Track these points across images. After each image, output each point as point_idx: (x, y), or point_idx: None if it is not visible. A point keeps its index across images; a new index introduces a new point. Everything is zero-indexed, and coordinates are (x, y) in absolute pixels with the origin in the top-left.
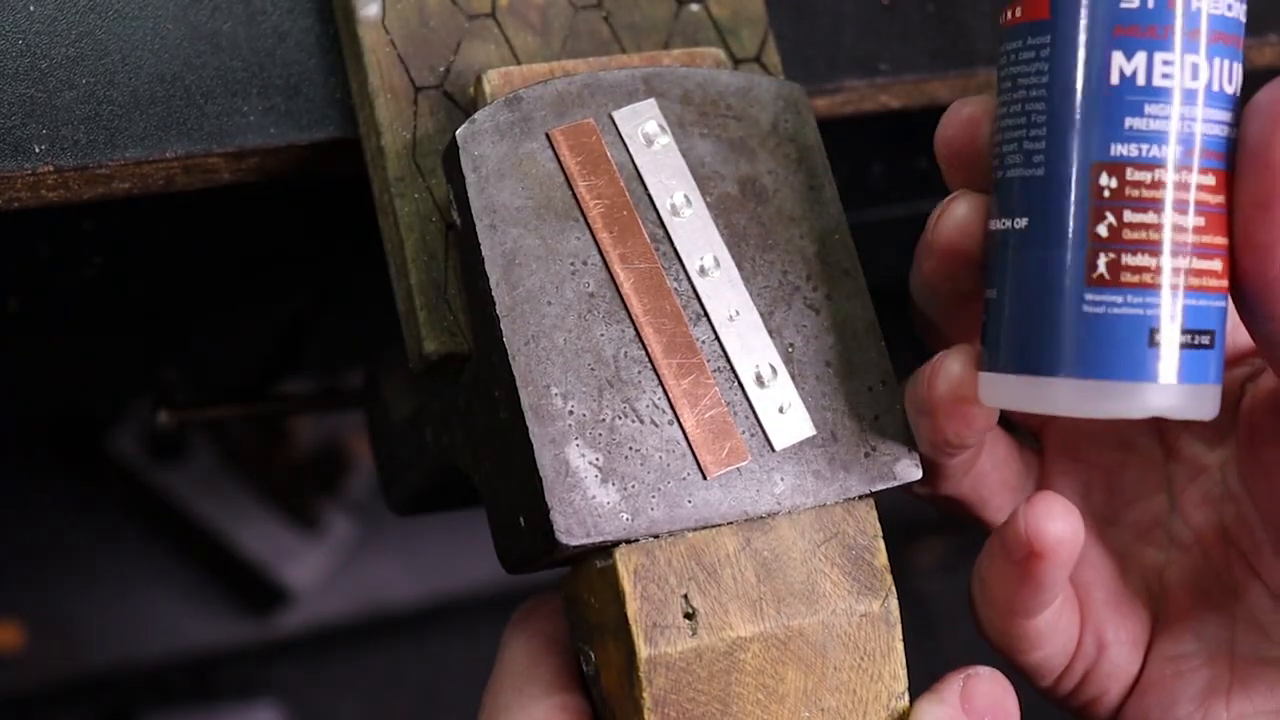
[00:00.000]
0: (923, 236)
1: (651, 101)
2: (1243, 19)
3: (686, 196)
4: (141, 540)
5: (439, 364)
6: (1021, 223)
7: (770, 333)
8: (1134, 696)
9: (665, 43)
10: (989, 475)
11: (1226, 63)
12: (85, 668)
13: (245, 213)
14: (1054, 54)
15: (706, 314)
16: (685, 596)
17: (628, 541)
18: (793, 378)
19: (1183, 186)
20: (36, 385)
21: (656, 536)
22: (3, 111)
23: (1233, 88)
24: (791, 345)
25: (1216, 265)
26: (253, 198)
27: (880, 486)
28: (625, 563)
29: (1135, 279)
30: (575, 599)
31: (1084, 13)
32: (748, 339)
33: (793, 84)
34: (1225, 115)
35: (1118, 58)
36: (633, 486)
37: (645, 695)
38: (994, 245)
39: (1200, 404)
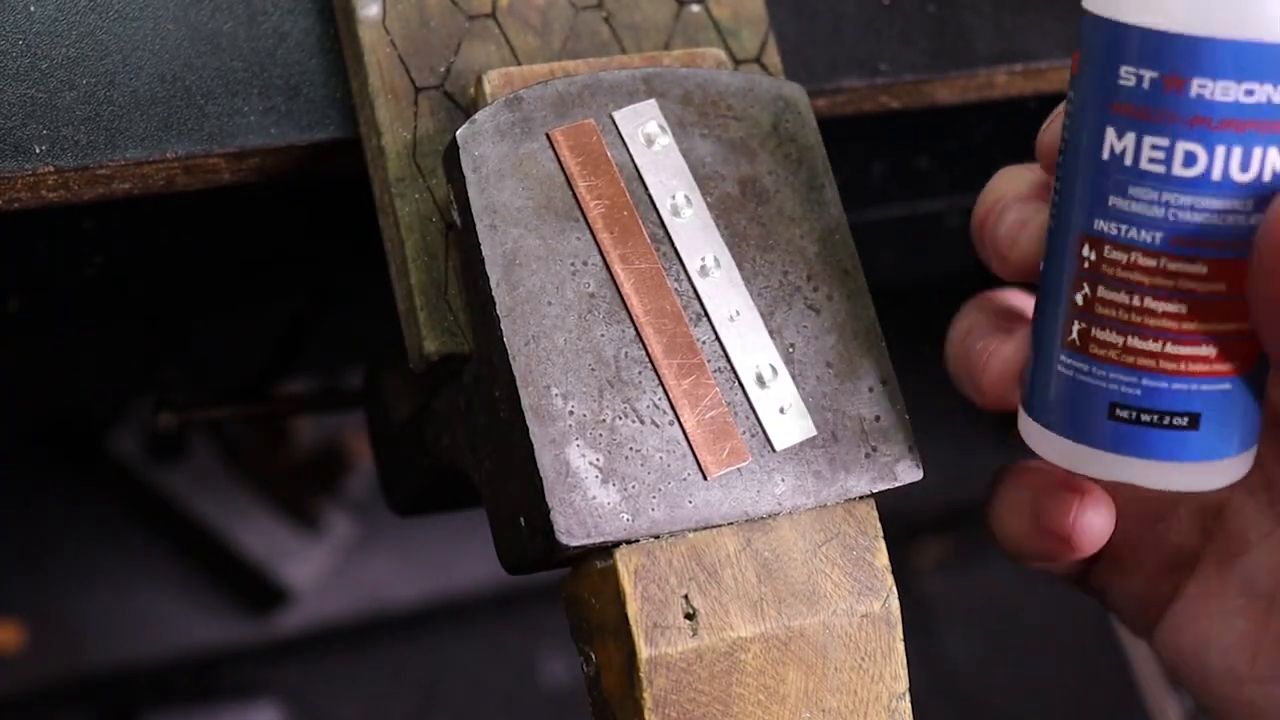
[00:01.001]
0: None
1: (652, 102)
2: (1276, 102)
3: (687, 197)
4: (141, 540)
5: (439, 364)
6: (1043, 265)
7: (771, 333)
8: (1169, 628)
9: (666, 43)
10: None
11: (1240, 150)
12: (85, 668)
13: (245, 213)
14: (1072, 113)
15: (707, 314)
16: (686, 597)
17: (628, 542)
18: (793, 378)
19: (1162, 273)
20: (37, 385)
21: (657, 537)
22: (3, 112)
23: (1248, 175)
24: (792, 345)
25: (1206, 350)
26: (253, 198)
27: (881, 487)
28: (625, 563)
29: (1101, 352)
30: (575, 599)
31: (1091, 82)
32: (748, 339)
33: (793, 84)
34: (1234, 204)
35: (1110, 134)
36: (633, 487)
37: (646, 696)
38: None
39: (1187, 478)
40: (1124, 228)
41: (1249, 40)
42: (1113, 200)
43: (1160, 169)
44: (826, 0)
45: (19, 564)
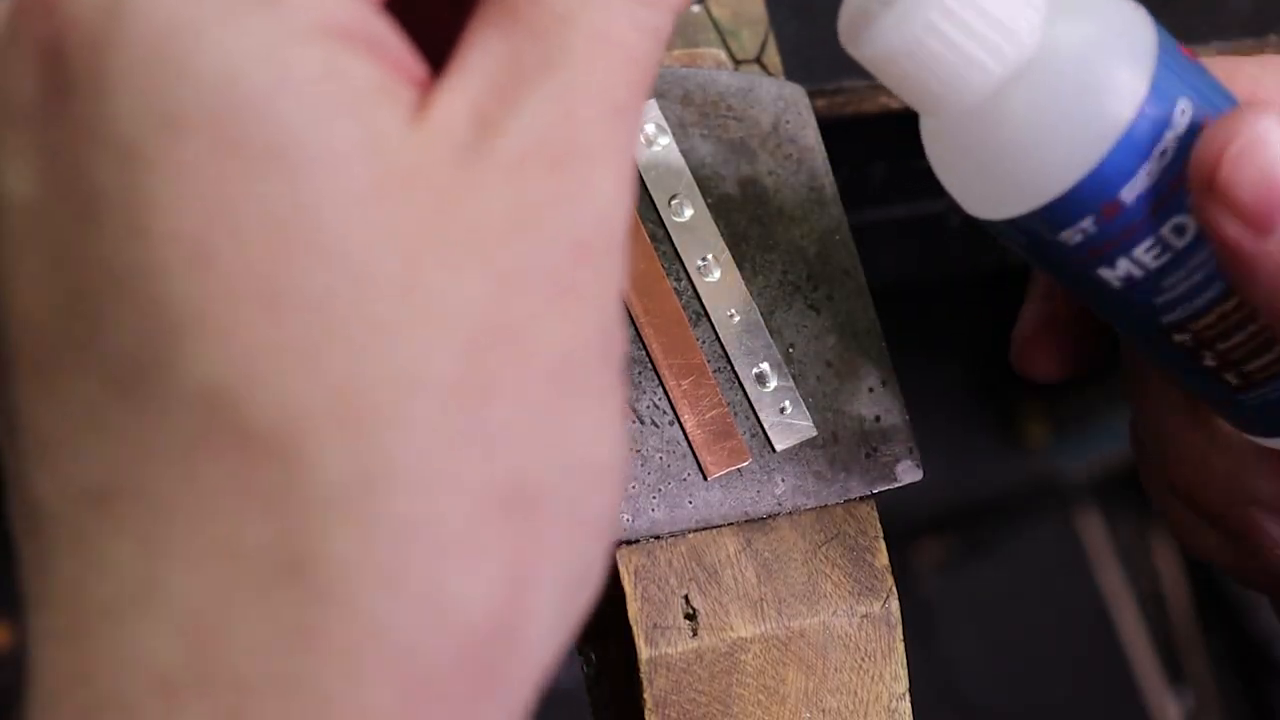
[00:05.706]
0: None
1: (652, 102)
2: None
3: (687, 197)
4: None
5: None
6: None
7: (771, 333)
8: None
9: None
10: None
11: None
12: None
13: None
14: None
15: (707, 314)
16: (686, 597)
17: (628, 542)
18: (793, 378)
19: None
20: None
21: (657, 537)
22: None
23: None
24: (792, 345)
25: None
26: None
27: (881, 488)
28: (626, 564)
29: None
30: None
31: (1052, 257)
32: (748, 339)
33: (793, 85)
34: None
35: (1105, 271)
36: (633, 487)
37: (646, 696)
38: None
39: None
40: (1185, 305)
41: (1053, 199)
42: (1159, 298)
43: (1168, 254)
44: (826, 0)
45: (9, 564)
